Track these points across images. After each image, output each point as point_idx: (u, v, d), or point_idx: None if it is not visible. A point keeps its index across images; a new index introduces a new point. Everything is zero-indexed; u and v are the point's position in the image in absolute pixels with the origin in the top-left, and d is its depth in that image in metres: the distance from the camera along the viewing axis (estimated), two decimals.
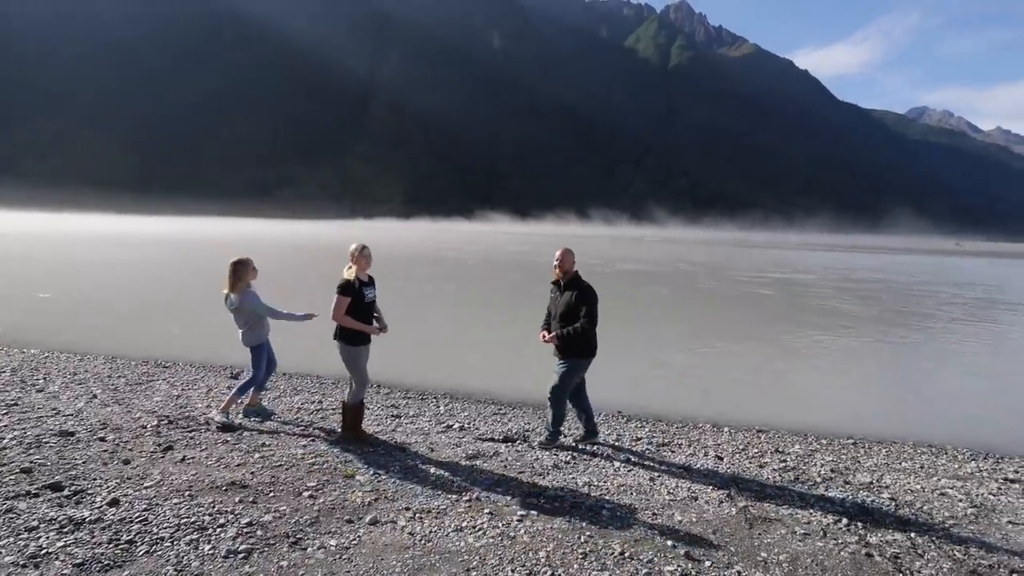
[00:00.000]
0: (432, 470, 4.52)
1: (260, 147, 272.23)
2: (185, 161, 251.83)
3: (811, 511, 4.11)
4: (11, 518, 3.36)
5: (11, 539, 3.14)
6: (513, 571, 3.12)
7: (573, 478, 4.52)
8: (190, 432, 5.08)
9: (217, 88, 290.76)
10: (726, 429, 6.34)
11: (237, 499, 3.79)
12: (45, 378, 6.80)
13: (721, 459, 5.24)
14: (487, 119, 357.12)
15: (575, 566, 3.19)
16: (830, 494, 4.48)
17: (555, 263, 5.16)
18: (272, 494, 3.91)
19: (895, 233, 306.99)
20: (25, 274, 19.25)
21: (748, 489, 4.48)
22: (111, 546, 3.13)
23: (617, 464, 4.93)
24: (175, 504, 3.66)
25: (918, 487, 4.78)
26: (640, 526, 3.71)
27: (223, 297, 5.32)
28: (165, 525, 3.39)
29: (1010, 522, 4.13)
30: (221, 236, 53.39)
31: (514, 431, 5.73)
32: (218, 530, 3.38)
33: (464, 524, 3.61)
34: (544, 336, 5.21)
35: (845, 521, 3.95)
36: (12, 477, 3.90)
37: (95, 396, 6.13)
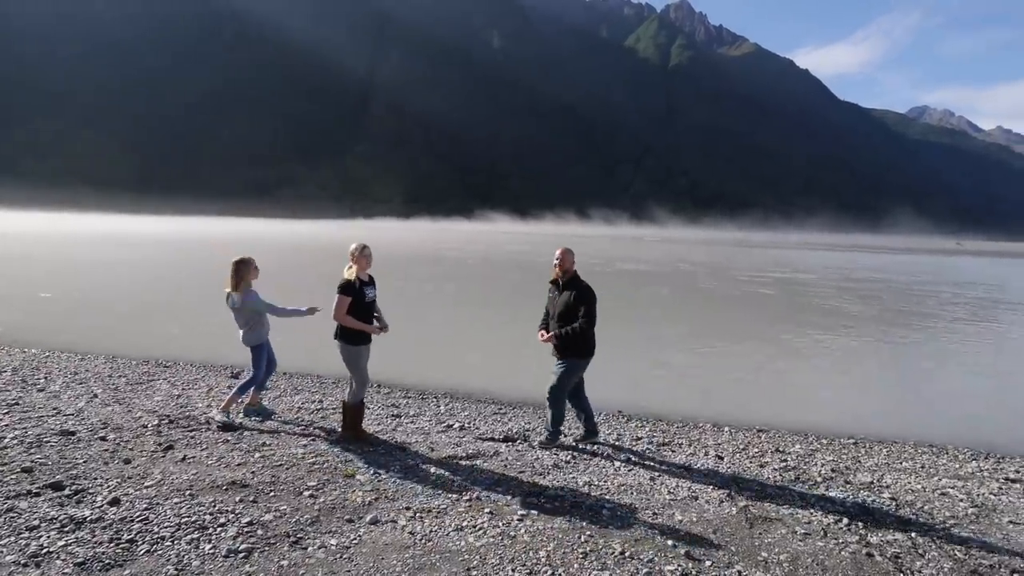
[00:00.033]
0: (432, 469, 4.52)
1: (260, 147, 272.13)
2: (185, 161, 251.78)
3: (812, 511, 4.11)
4: (12, 517, 3.36)
5: (12, 538, 3.15)
6: (513, 570, 3.12)
7: (573, 478, 4.52)
8: (191, 431, 5.08)
9: (217, 88, 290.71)
10: (727, 429, 6.34)
11: (238, 498, 3.79)
12: (46, 378, 6.80)
13: (721, 459, 5.24)
14: (487, 119, 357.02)
15: (575, 565, 3.19)
16: (831, 494, 4.48)
17: (555, 262, 5.16)
18: (273, 493, 3.91)
19: (895, 233, 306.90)
20: (25, 274, 19.26)
21: (748, 489, 4.48)
22: (112, 545, 3.14)
23: (617, 464, 4.93)
24: (176, 503, 3.66)
25: (919, 487, 4.78)
26: (640, 526, 3.71)
27: (225, 296, 5.33)
28: (166, 524, 3.39)
29: (1011, 522, 4.13)
30: (221, 236, 53.40)
31: (514, 431, 5.73)
32: (219, 529, 3.38)
33: (464, 523, 3.61)
34: (542, 335, 5.21)
35: (846, 521, 3.95)
36: (13, 476, 3.90)
37: (96, 396, 6.13)
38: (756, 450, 5.57)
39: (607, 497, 4.16)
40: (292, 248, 39.37)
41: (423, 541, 3.38)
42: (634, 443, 5.54)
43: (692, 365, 9.63)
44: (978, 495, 4.65)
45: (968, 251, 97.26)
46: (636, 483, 4.47)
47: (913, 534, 3.82)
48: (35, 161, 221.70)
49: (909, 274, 35.89)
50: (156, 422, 5.27)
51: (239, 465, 4.36)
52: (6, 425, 4.92)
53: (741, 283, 25.32)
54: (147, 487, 3.88)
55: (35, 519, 3.35)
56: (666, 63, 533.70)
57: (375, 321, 5.11)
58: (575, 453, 5.13)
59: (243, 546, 3.21)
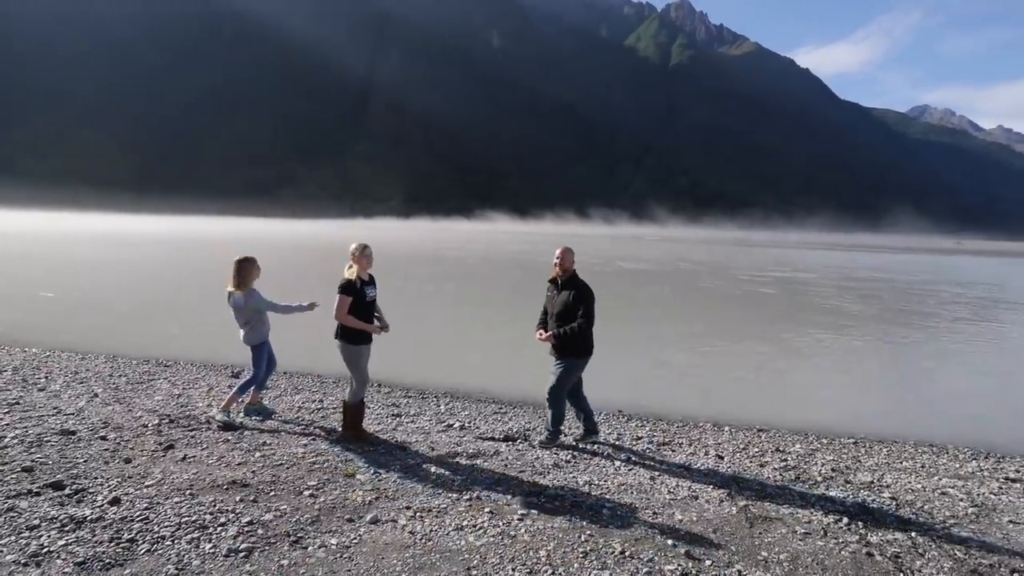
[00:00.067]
0: (433, 469, 4.52)
1: (260, 147, 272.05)
2: (184, 160, 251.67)
3: (812, 510, 4.11)
4: (12, 517, 3.36)
5: (13, 537, 3.15)
6: (514, 570, 3.12)
7: (573, 477, 4.52)
8: (191, 431, 5.08)
9: (216, 87, 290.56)
10: (727, 428, 6.34)
11: (238, 498, 3.79)
12: (46, 377, 6.80)
13: (722, 458, 5.24)
14: (487, 119, 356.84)
15: (575, 565, 3.19)
16: (831, 493, 4.48)
17: (555, 261, 5.16)
18: (273, 493, 3.91)
19: (896, 232, 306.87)
20: (25, 273, 19.26)
21: (749, 488, 4.48)
22: (112, 545, 3.14)
23: (618, 463, 4.93)
24: (176, 503, 3.66)
25: (919, 486, 4.78)
26: (640, 525, 3.71)
27: (226, 295, 5.32)
28: (166, 524, 3.39)
29: (1011, 521, 4.13)
30: (221, 235, 53.38)
31: (514, 430, 5.73)
32: (219, 529, 3.38)
33: (465, 523, 3.62)
34: (540, 335, 5.21)
35: (846, 520, 3.95)
36: (14, 476, 3.90)
37: (96, 395, 6.13)
38: (756, 450, 5.57)
39: (607, 496, 4.16)
40: (292, 248, 39.36)
41: (423, 540, 3.38)
42: (634, 443, 5.54)
43: (692, 364, 9.63)
44: (978, 495, 4.65)
45: (968, 250, 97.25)
46: (636, 483, 4.47)
47: (913, 534, 3.82)
48: (35, 160, 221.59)
49: (909, 273, 35.88)
50: (156, 421, 5.27)
51: (239, 464, 4.36)
52: (7, 424, 4.93)
53: (741, 282, 25.32)
54: (147, 486, 3.88)
55: (35, 518, 3.35)
56: (666, 62, 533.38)
57: (376, 321, 5.11)
58: (575, 452, 5.14)
59: (243, 545, 3.21)
